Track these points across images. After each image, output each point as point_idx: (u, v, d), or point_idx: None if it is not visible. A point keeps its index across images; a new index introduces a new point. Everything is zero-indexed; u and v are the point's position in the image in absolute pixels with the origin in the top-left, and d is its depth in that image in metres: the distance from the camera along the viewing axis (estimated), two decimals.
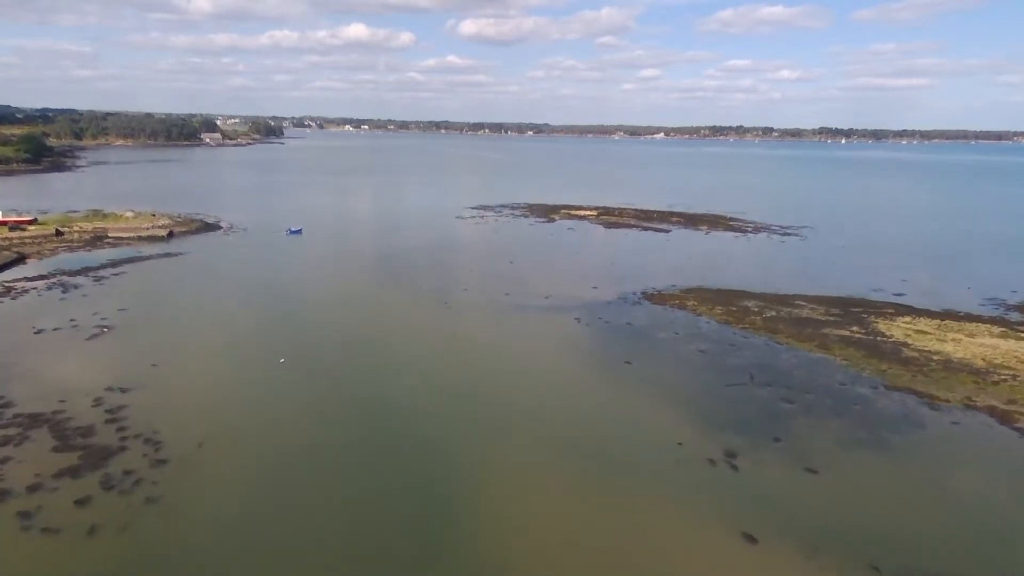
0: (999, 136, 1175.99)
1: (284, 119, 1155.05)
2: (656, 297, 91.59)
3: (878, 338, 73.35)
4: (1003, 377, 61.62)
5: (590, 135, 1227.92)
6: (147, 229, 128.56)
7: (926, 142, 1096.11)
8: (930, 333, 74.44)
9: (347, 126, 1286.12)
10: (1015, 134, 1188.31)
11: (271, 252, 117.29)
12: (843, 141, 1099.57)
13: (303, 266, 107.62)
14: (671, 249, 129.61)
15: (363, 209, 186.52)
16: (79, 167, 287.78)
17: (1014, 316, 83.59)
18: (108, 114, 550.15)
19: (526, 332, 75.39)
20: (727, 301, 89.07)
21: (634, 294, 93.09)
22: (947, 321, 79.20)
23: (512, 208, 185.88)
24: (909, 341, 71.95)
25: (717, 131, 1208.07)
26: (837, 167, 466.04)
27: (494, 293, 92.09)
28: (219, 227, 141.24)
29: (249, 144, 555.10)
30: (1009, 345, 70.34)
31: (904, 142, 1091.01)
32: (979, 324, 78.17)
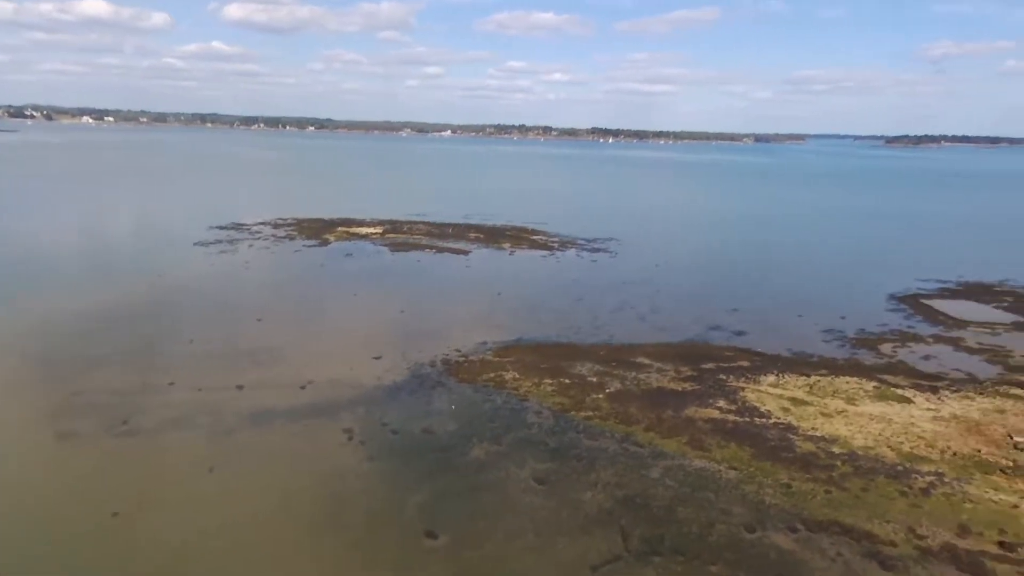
0: (732, 137, 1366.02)
1: None
2: (464, 368, 66.32)
3: (755, 419, 55.73)
4: (929, 481, 46.30)
5: (376, 132, 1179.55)
6: None
7: (679, 142, 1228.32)
8: (808, 402, 58.84)
9: (86, 117, 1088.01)
10: (743, 136, 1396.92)
11: None
12: (611, 140, 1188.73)
13: None
14: (473, 280, 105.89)
15: (46, 239, 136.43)
16: None
17: (865, 357, 72.62)
18: None
19: (255, 488, 44.80)
20: (556, 367, 66.84)
21: (433, 365, 66.89)
22: (813, 377, 64.93)
23: (276, 226, 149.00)
24: (792, 421, 55.26)
25: (502, 129, 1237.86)
26: (617, 166, 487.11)
27: (220, 387, 59.51)
28: None
29: None
30: (898, 413, 56.88)
31: (662, 142, 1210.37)
32: (847, 378, 64.85)
